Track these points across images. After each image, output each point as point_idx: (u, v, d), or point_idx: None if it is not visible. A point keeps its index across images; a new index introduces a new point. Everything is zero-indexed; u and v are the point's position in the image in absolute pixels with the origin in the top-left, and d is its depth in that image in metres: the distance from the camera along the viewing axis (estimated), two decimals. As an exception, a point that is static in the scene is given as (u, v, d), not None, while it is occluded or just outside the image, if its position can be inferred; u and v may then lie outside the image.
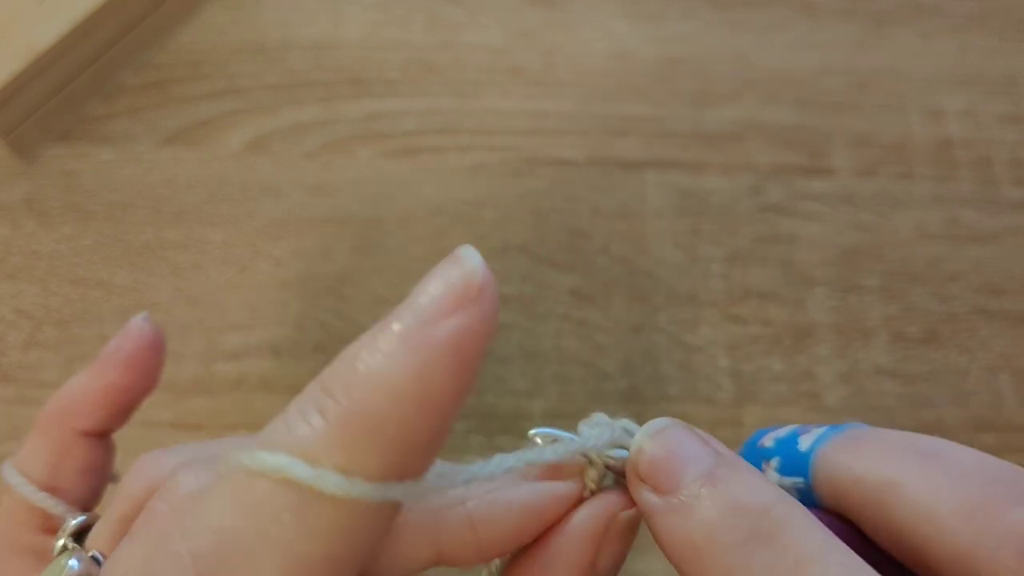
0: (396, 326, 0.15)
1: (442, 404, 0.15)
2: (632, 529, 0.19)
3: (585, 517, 0.19)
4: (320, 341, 0.38)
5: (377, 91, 0.45)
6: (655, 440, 0.18)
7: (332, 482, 0.14)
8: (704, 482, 0.16)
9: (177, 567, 0.14)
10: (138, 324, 0.24)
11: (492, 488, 0.19)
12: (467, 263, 0.15)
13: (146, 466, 0.20)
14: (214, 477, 0.15)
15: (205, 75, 0.45)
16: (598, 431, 0.19)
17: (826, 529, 0.15)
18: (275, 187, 0.42)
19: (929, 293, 0.40)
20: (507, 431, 0.37)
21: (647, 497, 0.17)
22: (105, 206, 0.41)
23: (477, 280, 0.15)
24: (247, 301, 0.39)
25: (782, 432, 0.20)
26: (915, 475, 0.17)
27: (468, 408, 0.37)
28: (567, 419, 0.36)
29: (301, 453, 0.14)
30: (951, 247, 0.41)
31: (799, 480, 0.19)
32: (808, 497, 0.19)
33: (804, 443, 0.19)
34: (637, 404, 0.37)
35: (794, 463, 0.19)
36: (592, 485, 0.19)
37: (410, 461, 0.15)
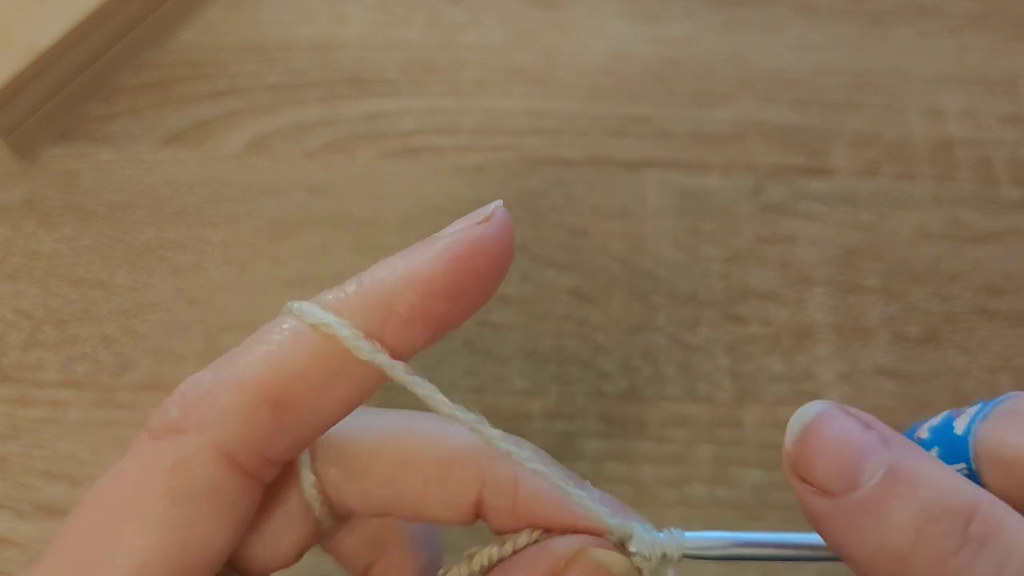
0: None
1: (427, 286, 0.17)
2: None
3: (553, 543, 0.19)
4: (320, 341, 0.38)
5: (377, 91, 0.45)
6: (812, 430, 0.16)
7: (315, 314, 0.17)
8: (887, 480, 0.15)
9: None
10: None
11: (554, 474, 0.19)
12: (489, 207, 0.19)
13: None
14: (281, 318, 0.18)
15: (205, 75, 0.45)
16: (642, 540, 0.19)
17: None
18: (275, 187, 0.42)
19: (929, 293, 0.40)
20: (507, 431, 0.37)
21: (814, 500, 0.16)
22: (105, 206, 0.41)
23: (488, 210, 0.19)
24: (247, 301, 0.39)
25: (936, 420, 0.19)
26: None
27: (468, 407, 0.36)
28: (567, 419, 0.36)
29: (320, 302, 0.17)
30: (951, 247, 0.41)
31: (961, 466, 0.18)
32: (973, 481, 0.18)
33: (959, 426, 0.18)
34: (637, 404, 0.37)
35: (954, 449, 0.18)
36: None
37: (388, 329, 0.17)
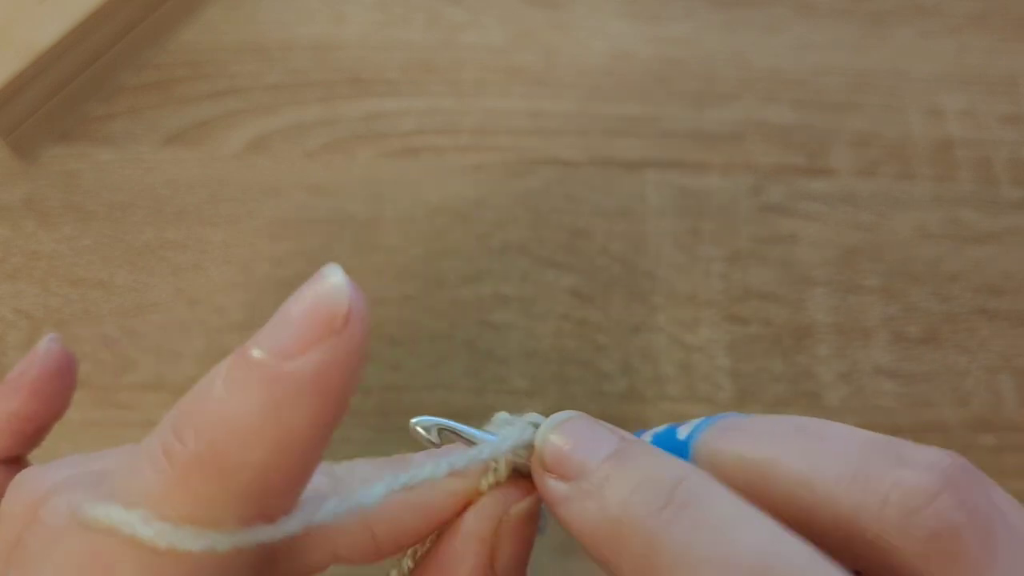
0: (255, 353, 0.14)
1: (302, 446, 0.14)
2: (527, 523, 0.18)
3: (475, 518, 0.18)
4: (320, 341, 0.38)
5: (377, 91, 0.45)
6: (560, 430, 0.18)
7: (175, 537, 0.13)
8: (612, 463, 0.16)
9: None
10: (44, 347, 0.22)
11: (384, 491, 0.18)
12: (331, 286, 0.14)
13: (25, 484, 0.17)
14: (68, 521, 0.14)
15: (205, 75, 0.45)
16: (505, 432, 0.19)
17: (741, 497, 0.15)
18: (275, 187, 0.42)
19: (929, 293, 0.40)
20: (507, 431, 0.37)
21: (554, 486, 0.17)
22: (105, 206, 0.41)
23: (342, 309, 0.14)
24: (247, 301, 0.39)
25: (660, 428, 0.21)
26: (791, 449, 0.17)
27: (468, 407, 0.37)
28: (567, 419, 0.36)
29: (147, 502, 0.13)
30: (951, 247, 0.41)
31: None
32: None
33: (682, 433, 0.20)
34: (637, 404, 0.37)
35: (674, 452, 0.19)
36: (486, 486, 0.19)
37: (269, 506, 0.14)
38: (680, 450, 0.19)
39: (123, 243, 0.40)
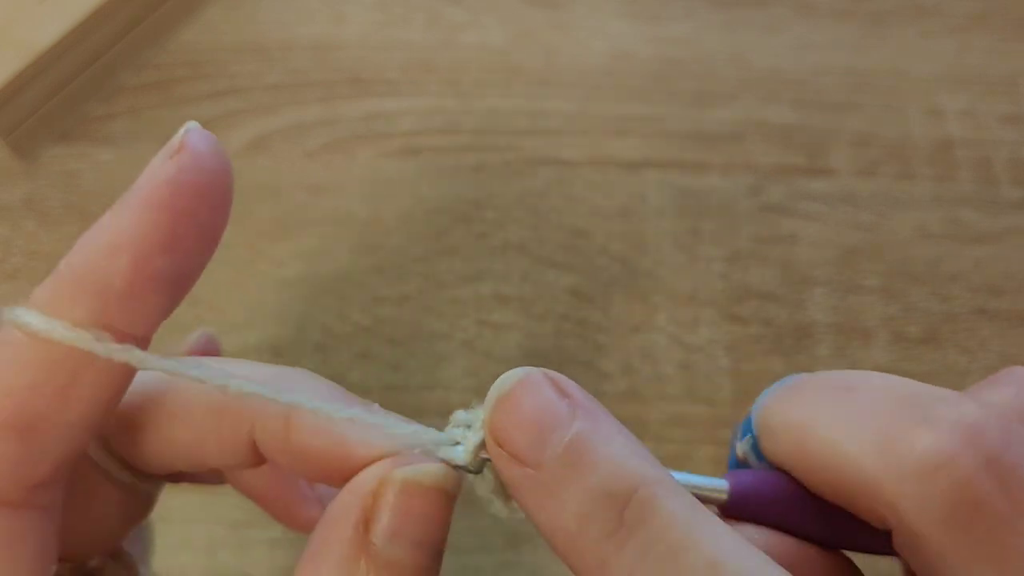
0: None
1: (137, 253, 0.15)
2: (417, 495, 0.16)
3: (353, 482, 0.17)
4: (320, 341, 0.38)
5: (377, 91, 0.45)
6: (510, 396, 0.16)
7: (29, 320, 0.15)
8: (568, 458, 0.15)
9: None
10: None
11: (319, 410, 0.17)
12: (178, 133, 0.16)
13: None
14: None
15: (205, 75, 0.45)
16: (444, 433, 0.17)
17: (696, 503, 0.15)
18: (275, 187, 0.42)
19: (929, 293, 0.40)
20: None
21: (507, 466, 0.16)
22: (105, 206, 0.41)
23: (176, 143, 0.16)
24: (247, 301, 0.39)
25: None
26: (827, 413, 0.17)
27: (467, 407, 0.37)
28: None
29: (34, 303, 0.16)
30: (951, 247, 0.41)
31: (750, 437, 0.19)
32: (758, 453, 0.19)
33: (759, 399, 0.19)
34: (637, 404, 0.37)
35: (748, 424, 0.19)
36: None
37: (112, 311, 0.16)
38: (750, 420, 0.19)
39: (123, 243, 0.40)
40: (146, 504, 0.21)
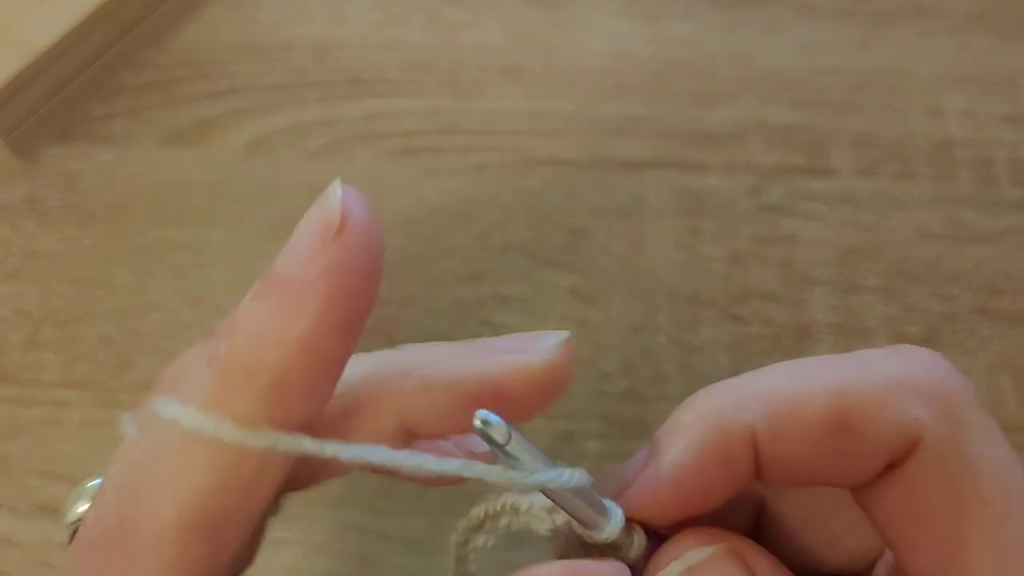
0: (273, 268, 0.16)
1: (316, 346, 0.15)
2: None
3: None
4: (320, 341, 0.38)
5: (377, 91, 0.45)
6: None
7: (202, 425, 0.15)
8: None
9: (103, 496, 0.16)
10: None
11: (447, 357, 0.18)
12: (328, 199, 0.15)
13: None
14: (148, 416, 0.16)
15: (205, 75, 0.45)
16: (567, 478, 0.16)
17: None
18: (275, 187, 0.42)
19: (929, 293, 0.40)
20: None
21: None
22: (105, 206, 0.41)
23: (335, 216, 0.15)
24: (247, 301, 0.39)
25: None
26: (786, 379, 0.17)
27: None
28: (567, 419, 0.36)
29: (196, 401, 0.15)
30: (951, 247, 0.41)
31: None
32: None
33: None
34: (637, 404, 0.37)
35: None
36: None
37: (290, 405, 0.15)
38: None
39: (123, 243, 0.40)
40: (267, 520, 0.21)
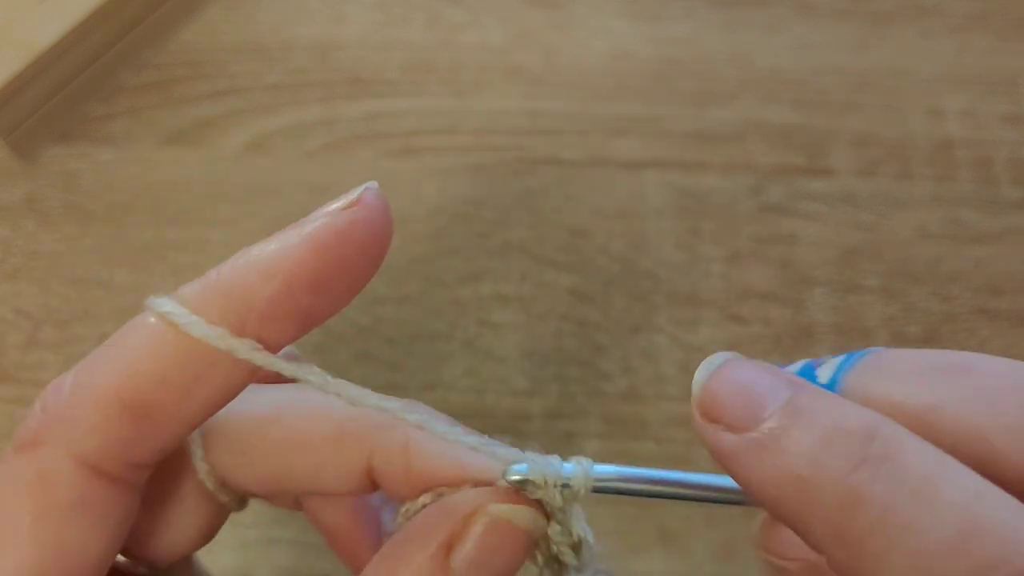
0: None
1: (287, 279, 0.16)
2: (502, 533, 0.17)
3: (449, 499, 0.18)
4: (320, 341, 0.38)
5: (377, 91, 0.45)
6: (719, 374, 0.16)
7: (173, 311, 0.16)
8: (789, 412, 0.15)
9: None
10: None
11: (446, 434, 0.18)
12: (358, 189, 0.17)
13: None
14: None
15: (205, 75, 0.45)
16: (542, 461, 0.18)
17: (932, 446, 0.15)
18: (275, 187, 0.42)
19: (929, 293, 0.40)
20: (507, 431, 0.37)
21: (721, 437, 0.16)
22: (105, 206, 0.41)
23: (356, 193, 0.17)
24: (247, 301, 0.39)
25: (794, 367, 0.19)
26: (955, 395, 0.16)
27: (468, 408, 0.37)
28: (567, 419, 0.36)
29: (180, 299, 0.17)
30: (951, 247, 0.41)
31: None
32: None
33: (823, 375, 0.18)
34: (637, 404, 0.37)
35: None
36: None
37: (250, 326, 0.16)
38: None
39: (123, 243, 0.40)
40: (221, 523, 0.21)
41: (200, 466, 0.20)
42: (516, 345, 0.38)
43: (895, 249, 0.41)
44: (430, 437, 0.18)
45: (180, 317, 0.16)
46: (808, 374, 0.18)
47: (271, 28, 0.46)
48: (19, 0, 0.41)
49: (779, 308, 0.39)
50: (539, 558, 0.18)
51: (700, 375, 0.16)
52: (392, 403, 0.18)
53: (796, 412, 0.15)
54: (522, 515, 0.17)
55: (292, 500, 0.23)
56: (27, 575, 0.16)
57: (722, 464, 0.16)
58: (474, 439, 0.18)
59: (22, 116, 0.41)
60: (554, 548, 0.18)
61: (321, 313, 0.17)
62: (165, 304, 0.17)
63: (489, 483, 0.18)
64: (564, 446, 0.36)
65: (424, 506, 0.18)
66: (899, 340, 0.39)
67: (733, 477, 0.16)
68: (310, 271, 0.16)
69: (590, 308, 0.39)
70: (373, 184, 0.17)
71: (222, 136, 0.43)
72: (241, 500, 0.21)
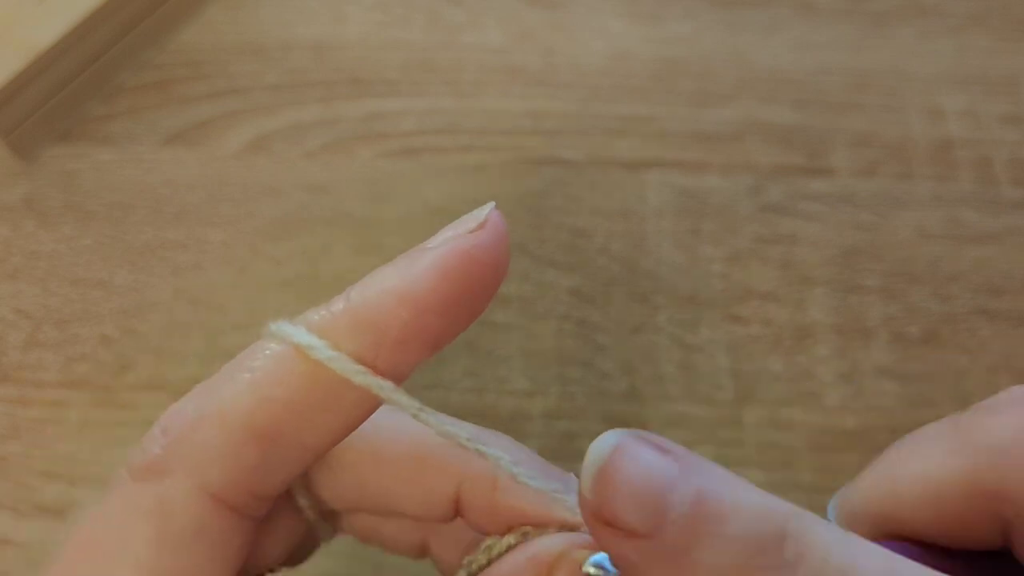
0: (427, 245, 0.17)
1: (419, 304, 0.16)
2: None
3: (539, 545, 0.18)
4: (320, 341, 0.38)
5: (377, 91, 0.45)
6: (609, 467, 0.14)
7: (306, 341, 0.16)
8: (694, 513, 0.14)
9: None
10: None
11: (534, 473, 0.18)
12: (482, 211, 0.17)
13: None
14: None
15: (205, 75, 0.45)
16: None
17: (839, 530, 0.15)
18: (275, 187, 0.42)
19: (929, 293, 0.40)
20: (507, 431, 0.37)
21: (622, 546, 0.14)
22: (105, 206, 0.41)
23: (482, 216, 0.17)
24: (247, 301, 0.39)
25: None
26: (901, 459, 0.18)
27: (468, 407, 0.37)
28: (567, 419, 0.36)
29: (307, 325, 0.17)
30: (951, 247, 0.41)
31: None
32: None
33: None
34: (637, 404, 0.37)
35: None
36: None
37: (383, 349, 0.16)
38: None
39: (123, 243, 0.40)
40: (309, 548, 0.21)
41: (298, 489, 0.20)
42: (516, 345, 0.38)
43: (895, 249, 0.41)
44: (515, 477, 0.18)
45: (306, 341, 0.16)
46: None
47: (271, 28, 0.46)
48: (19, 0, 0.41)
49: (779, 308, 0.39)
50: None
51: (588, 470, 0.14)
52: (485, 436, 0.18)
53: (702, 516, 0.14)
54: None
55: (410, 545, 0.22)
56: None
57: (630, 573, 0.15)
58: (558, 485, 0.18)
59: (22, 116, 0.41)
60: None
61: (446, 336, 0.17)
62: (290, 330, 0.17)
63: (576, 527, 0.18)
64: (564, 446, 0.36)
65: (510, 547, 0.18)
66: (899, 340, 0.39)
67: None
68: (441, 296, 0.16)
69: (590, 308, 0.39)
70: (493, 205, 0.17)
71: (222, 136, 0.43)
72: (328, 522, 0.21)
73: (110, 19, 0.42)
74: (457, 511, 0.20)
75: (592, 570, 0.17)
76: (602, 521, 0.14)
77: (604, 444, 0.15)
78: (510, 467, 0.18)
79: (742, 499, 0.14)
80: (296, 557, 0.22)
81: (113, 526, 0.17)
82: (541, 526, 0.18)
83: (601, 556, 0.17)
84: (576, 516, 0.18)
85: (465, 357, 0.38)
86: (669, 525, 0.14)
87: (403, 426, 0.20)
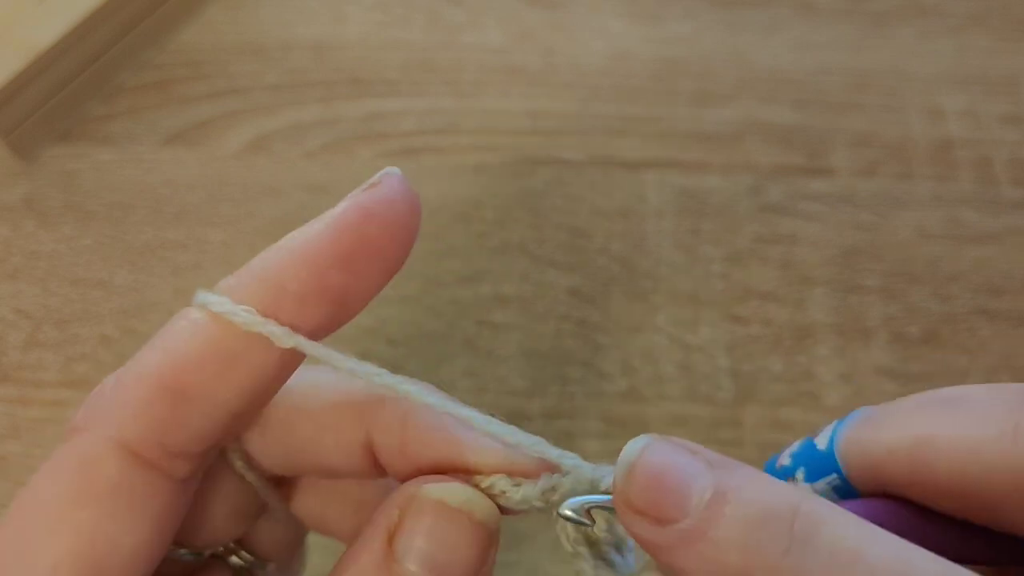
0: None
1: (315, 259, 0.17)
2: (449, 519, 0.17)
3: (395, 491, 0.18)
4: (320, 341, 0.38)
5: (377, 91, 0.45)
6: (639, 464, 0.16)
7: (209, 300, 0.17)
8: (714, 500, 0.15)
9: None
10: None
11: (449, 407, 0.18)
12: (381, 172, 0.18)
13: None
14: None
15: (205, 75, 0.45)
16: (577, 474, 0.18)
17: (852, 515, 0.15)
18: (275, 187, 0.42)
19: (929, 293, 0.40)
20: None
21: (650, 532, 0.15)
22: (105, 206, 0.41)
23: (376, 177, 0.17)
24: (247, 301, 0.39)
25: (794, 446, 0.20)
26: (944, 423, 0.17)
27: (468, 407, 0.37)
28: (567, 419, 0.36)
29: (218, 288, 0.17)
30: (951, 247, 0.41)
31: (832, 477, 0.19)
32: (846, 490, 0.19)
33: (820, 443, 0.19)
34: (637, 404, 0.37)
35: (819, 465, 0.19)
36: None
37: (284, 309, 0.17)
38: (825, 461, 0.19)
39: (123, 243, 0.40)
40: (253, 513, 0.21)
41: (233, 448, 0.20)
42: (516, 345, 0.38)
43: (895, 249, 0.41)
44: (431, 413, 0.18)
45: (215, 304, 0.17)
46: (809, 445, 0.19)
47: (271, 28, 0.46)
48: (19, 0, 0.41)
49: (779, 308, 0.39)
50: (589, 560, 0.18)
51: (621, 465, 0.16)
52: (406, 385, 0.18)
53: (721, 500, 0.15)
54: (457, 494, 0.17)
55: (354, 530, 0.22)
56: (64, 560, 0.16)
57: (655, 557, 0.16)
58: (466, 413, 0.18)
59: (22, 116, 0.41)
60: (604, 549, 0.18)
61: (355, 294, 0.18)
62: (205, 295, 0.17)
63: (486, 467, 0.18)
64: (564, 446, 0.35)
65: None
66: (899, 340, 0.39)
67: (669, 569, 0.16)
68: (335, 247, 0.17)
69: (590, 308, 0.39)
70: (394, 169, 0.18)
71: (222, 136, 0.43)
72: (275, 490, 0.21)
73: (110, 19, 0.43)
74: (377, 461, 0.19)
75: (568, 512, 0.17)
76: (632, 510, 0.16)
77: (637, 442, 0.16)
78: (422, 397, 0.18)
79: (760, 484, 0.15)
80: (283, 557, 0.22)
81: (40, 486, 0.17)
82: (449, 466, 0.18)
83: (576, 500, 0.18)
84: (485, 456, 0.18)
85: (465, 357, 0.38)
86: (693, 509, 0.15)
87: (324, 380, 0.20)
